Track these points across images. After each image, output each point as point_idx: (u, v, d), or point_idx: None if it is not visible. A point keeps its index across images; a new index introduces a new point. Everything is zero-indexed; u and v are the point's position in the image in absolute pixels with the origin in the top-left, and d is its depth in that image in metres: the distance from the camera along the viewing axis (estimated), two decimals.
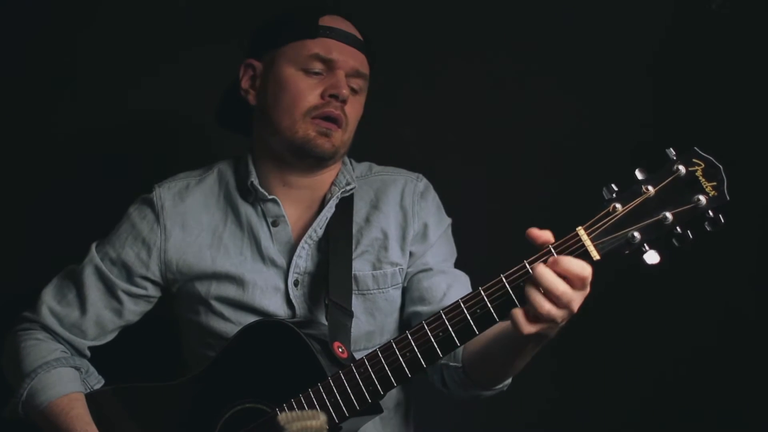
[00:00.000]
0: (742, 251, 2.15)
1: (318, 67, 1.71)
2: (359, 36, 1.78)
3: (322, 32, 1.73)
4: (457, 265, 1.86)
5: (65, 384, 1.69)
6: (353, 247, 1.75)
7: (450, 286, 1.76)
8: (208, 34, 2.27)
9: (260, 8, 1.90)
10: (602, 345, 2.27)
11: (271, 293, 1.74)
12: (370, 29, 1.82)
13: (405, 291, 1.80)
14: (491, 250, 2.18)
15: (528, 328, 1.33)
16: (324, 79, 1.71)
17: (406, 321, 1.81)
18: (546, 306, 1.31)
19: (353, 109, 1.75)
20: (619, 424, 2.32)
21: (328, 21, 1.75)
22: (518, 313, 1.34)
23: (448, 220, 1.87)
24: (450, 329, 1.43)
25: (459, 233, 1.90)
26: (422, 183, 1.85)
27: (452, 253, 1.86)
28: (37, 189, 2.24)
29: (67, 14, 2.24)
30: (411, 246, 1.78)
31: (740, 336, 2.27)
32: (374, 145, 1.93)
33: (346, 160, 1.86)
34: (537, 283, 1.32)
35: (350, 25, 1.78)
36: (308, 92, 1.70)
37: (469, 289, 1.75)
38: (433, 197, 1.85)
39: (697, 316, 2.27)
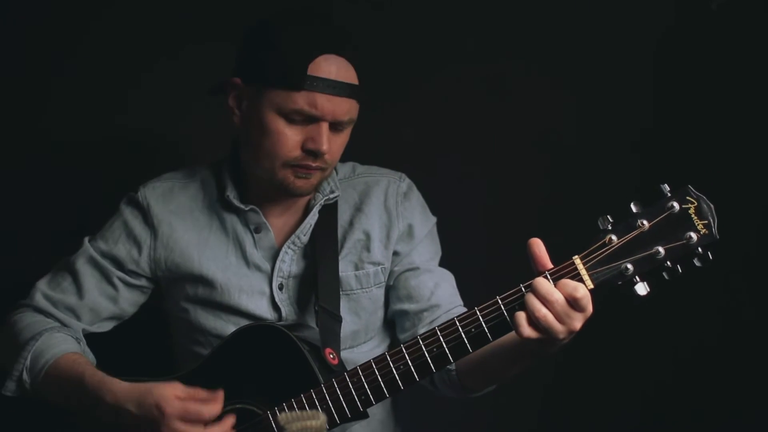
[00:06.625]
0: (743, 251, 2.24)
1: (301, 117, 1.74)
2: (351, 79, 1.76)
3: (308, 84, 1.70)
4: (454, 264, 1.99)
5: (69, 345, 1.80)
6: (339, 251, 1.88)
7: (437, 284, 1.90)
8: (207, 35, 2.37)
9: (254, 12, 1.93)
10: (601, 347, 2.33)
11: (257, 297, 1.86)
12: (366, 31, 1.87)
13: (391, 289, 1.93)
14: (488, 249, 2.35)
15: (527, 331, 1.46)
16: (306, 128, 1.75)
17: (391, 318, 1.96)
18: (543, 310, 1.45)
19: (336, 145, 1.79)
20: (619, 426, 2.45)
21: (319, 66, 1.71)
22: (521, 315, 1.47)
23: (434, 219, 1.99)
24: (444, 346, 1.57)
25: (456, 232, 2.03)
26: (405, 183, 1.96)
27: (437, 252, 1.99)
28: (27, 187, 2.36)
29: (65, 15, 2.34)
30: (396, 245, 1.91)
31: (740, 337, 2.39)
32: (373, 145, 2.03)
33: None
34: (535, 291, 1.47)
35: (342, 66, 1.74)
36: (289, 142, 1.75)
37: (455, 288, 1.94)
38: (417, 197, 1.97)
39: (697, 317, 2.39)
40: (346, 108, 1.75)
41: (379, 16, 2.40)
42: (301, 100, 1.72)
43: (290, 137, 1.75)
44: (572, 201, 2.39)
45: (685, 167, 2.33)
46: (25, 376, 1.78)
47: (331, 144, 1.77)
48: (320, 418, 1.32)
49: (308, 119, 1.74)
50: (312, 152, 1.75)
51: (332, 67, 1.73)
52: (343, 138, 1.81)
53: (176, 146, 2.38)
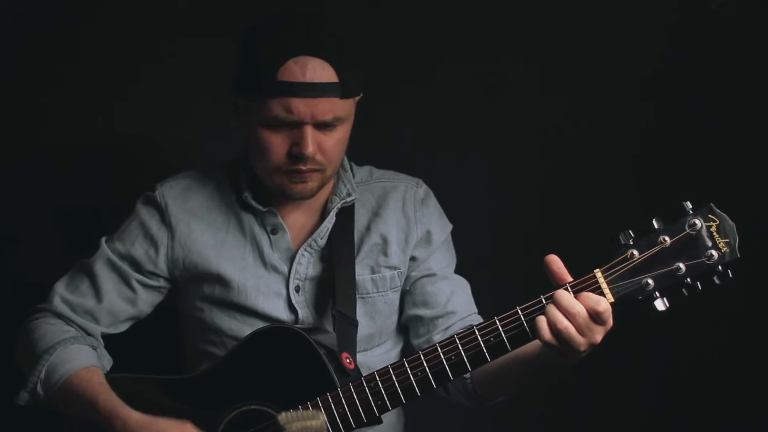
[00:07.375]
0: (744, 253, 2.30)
1: (282, 123, 1.73)
2: (326, 78, 1.72)
3: (279, 90, 1.70)
4: (457, 267, 2.02)
5: (84, 358, 1.81)
6: (355, 255, 1.90)
7: (453, 292, 1.94)
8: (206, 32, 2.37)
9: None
10: (601, 352, 2.44)
11: (273, 298, 1.88)
12: (366, 31, 1.86)
13: (406, 294, 1.96)
14: (491, 252, 2.37)
15: (548, 336, 1.50)
16: (291, 133, 1.74)
17: (405, 323, 1.99)
18: (564, 322, 1.49)
19: (329, 145, 1.77)
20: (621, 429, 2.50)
21: (289, 71, 1.70)
22: (542, 320, 1.51)
23: (450, 226, 2.01)
24: (463, 354, 1.60)
25: (458, 235, 2.04)
26: (422, 189, 1.98)
27: (453, 259, 2.02)
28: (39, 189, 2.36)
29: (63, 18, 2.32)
30: (414, 251, 1.94)
31: (742, 340, 2.42)
32: (371, 145, 2.04)
33: (346, 165, 1.96)
34: (557, 303, 1.50)
35: (316, 65, 1.71)
36: (275, 149, 1.75)
37: (470, 295, 1.97)
38: (434, 203, 1.99)
39: (700, 320, 2.37)
40: (326, 108, 1.73)
41: (380, 15, 2.41)
42: (276, 107, 1.71)
43: (277, 144, 1.75)
44: (573, 202, 2.43)
45: (685, 167, 2.39)
46: (39, 388, 1.79)
47: (323, 144, 1.76)
48: (320, 418, 1.35)
49: (290, 124, 1.73)
50: (297, 157, 1.75)
51: (304, 69, 1.70)
52: (336, 136, 1.78)
53: (178, 146, 2.37)
